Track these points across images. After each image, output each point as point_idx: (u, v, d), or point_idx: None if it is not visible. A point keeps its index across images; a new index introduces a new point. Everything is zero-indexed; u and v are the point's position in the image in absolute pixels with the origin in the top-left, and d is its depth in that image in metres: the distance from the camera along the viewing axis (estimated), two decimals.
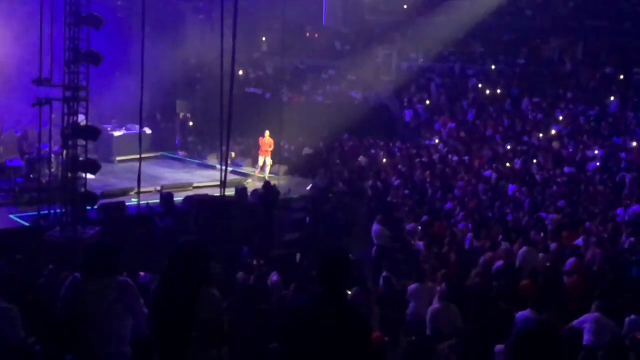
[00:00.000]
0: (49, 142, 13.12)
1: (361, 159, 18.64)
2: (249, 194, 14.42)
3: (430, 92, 23.62)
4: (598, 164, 16.81)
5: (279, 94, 21.72)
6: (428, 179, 16.36)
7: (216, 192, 13.53)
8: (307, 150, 19.86)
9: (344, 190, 15.92)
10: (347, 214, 14.33)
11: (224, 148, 11.66)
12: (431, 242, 11.71)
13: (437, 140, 20.44)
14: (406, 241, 12.46)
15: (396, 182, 16.30)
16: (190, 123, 21.45)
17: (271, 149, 17.74)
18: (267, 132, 17.83)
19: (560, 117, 20.29)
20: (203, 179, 17.51)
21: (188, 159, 20.24)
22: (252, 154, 19.67)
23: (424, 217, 13.12)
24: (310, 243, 12.49)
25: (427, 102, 22.95)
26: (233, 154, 18.91)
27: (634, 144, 17.69)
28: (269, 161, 17.63)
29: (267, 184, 14.54)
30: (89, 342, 3.81)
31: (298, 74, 24.98)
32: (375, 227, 12.29)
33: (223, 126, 11.48)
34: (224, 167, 11.61)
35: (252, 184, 16.69)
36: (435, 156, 18.54)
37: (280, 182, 16.42)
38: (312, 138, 20.26)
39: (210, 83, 21.14)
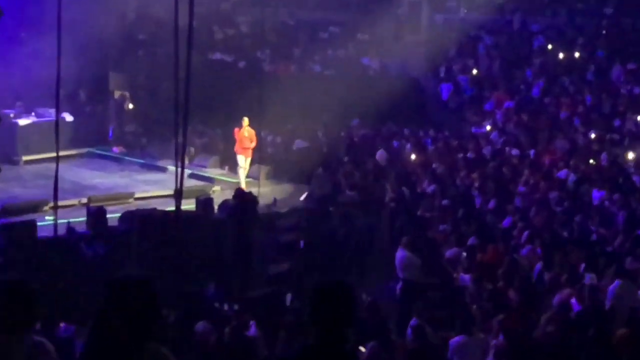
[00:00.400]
0: None
1: (379, 155, 18.78)
2: (215, 207, 14.49)
3: (477, 57, 23.77)
4: None
5: (258, 61, 21.77)
6: (476, 184, 16.46)
7: (169, 206, 13.68)
8: (299, 144, 19.98)
9: (353, 200, 16.09)
10: (358, 235, 14.49)
11: (179, 141, 11.64)
12: (482, 275, 11.82)
13: (488, 127, 20.47)
14: (446, 274, 12.61)
15: (430, 189, 16.45)
16: (130, 106, 21.57)
17: (253, 144, 17.96)
18: (245, 120, 18.05)
19: None
20: (149, 187, 17.78)
21: (127, 158, 20.41)
22: (220, 150, 19.84)
23: (471, 240, 13.23)
24: (305, 278, 12.65)
25: (474, 71, 23.07)
26: (192, 150, 19.03)
27: None
28: (247, 163, 17.91)
29: (240, 192, 14.69)
30: None
31: (286, 33, 25.17)
32: (400, 254, 12.43)
33: (178, 110, 11.39)
34: (179, 170, 11.48)
35: (221, 193, 16.89)
36: (486, 150, 18.62)
37: (261, 189, 16.45)
38: (306, 126, 20.37)
39: (158, 47, 21.54)
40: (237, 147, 17.98)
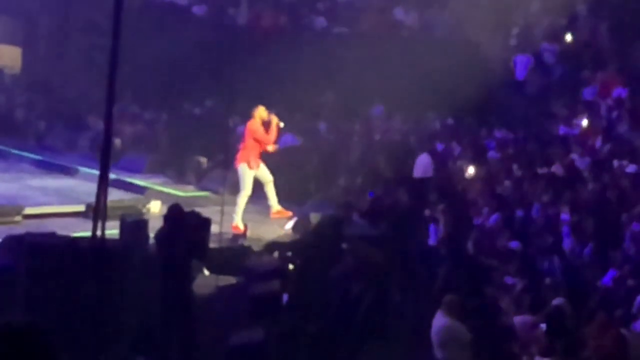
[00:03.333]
0: None
1: (419, 163, 18.64)
2: (152, 234, 14.15)
3: (574, 16, 23.01)
4: None
5: (227, 8, 21.82)
6: (566, 215, 15.98)
7: (78, 230, 13.88)
8: (288, 141, 19.88)
9: (370, 234, 16.15)
10: (375, 286, 14.31)
11: (98, 129, 11.50)
12: None
13: (584, 124, 19.64)
14: (511, 356, 12.45)
15: (492, 220, 16.26)
16: (17, 69, 21.55)
17: (271, 146, 17.13)
18: (260, 109, 17.16)
19: None
20: (48, 198, 17.44)
21: (14, 152, 20.20)
22: (162, 145, 19.93)
23: (556, 302, 12.88)
24: (289, 351, 12.64)
25: (567, 38, 22.49)
26: (118, 144, 18.86)
27: None
28: (266, 175, 17.21)
29: (177, 212, 13.79)
30: None
31: None
32: (439, 321, 12.20)
33: (110, 82, 10.68)
34: (99, 173, 11.06)
35: (160, 212, 16.45)
36: (583, 162, 18.12)
37: (225, 209, 15.96)
38: (300, 113, 20.24)
39: None
40: (244, 152, 17.09)
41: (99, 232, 10.50)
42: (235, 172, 17.73)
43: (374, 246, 15.51)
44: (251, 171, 16.80)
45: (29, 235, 13.58)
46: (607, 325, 12.22)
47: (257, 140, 16.93)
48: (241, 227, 16.48)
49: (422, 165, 18.41)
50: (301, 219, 16.50)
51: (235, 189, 16.88)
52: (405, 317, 14.29)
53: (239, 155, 17.07)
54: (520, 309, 13.18)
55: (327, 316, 13.81)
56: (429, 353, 12.16)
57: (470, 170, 17.94)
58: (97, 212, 10.94)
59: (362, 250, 15.27)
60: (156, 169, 19.56)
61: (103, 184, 10.86)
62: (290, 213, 17.00)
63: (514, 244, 15.13)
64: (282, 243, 15.81)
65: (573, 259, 14.83)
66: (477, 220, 16.32)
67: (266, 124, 17.04)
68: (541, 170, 17.60)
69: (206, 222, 14.03)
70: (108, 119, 10.97)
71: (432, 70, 20.15)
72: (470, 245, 15.70)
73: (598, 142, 18.53)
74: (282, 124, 17.02)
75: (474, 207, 16.78)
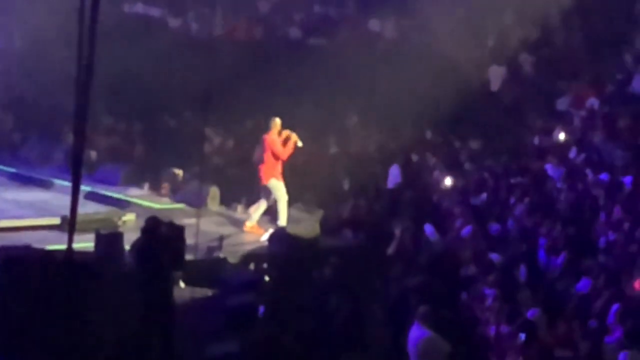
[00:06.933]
0: None
1: (391, 174, 18.72)
2: (127, 247, 14.26)
3: (547, 27, 22.99)
4: None
5: (202, 19, 21.92)
6: (540, 226, 15.99)
7: (52, 243, 13.86)
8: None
9: (349, 245, 16.28)
10: (352, 297, 14.33)
11: (72, 141, 11.67)
12: None
13: (561, 137, 19.58)
14: None
15: (465, 231, 16.20)
16: None
17: (285, 153, 17.28)
18: (276, 121, 17.31)
19: None
20: (22, 211, 17.42)
21: None
22: (137, 157, 20.00)
23: (531, 313, 12.92)
24: None
25: (542, 49, 22.29)
26: (94, 156, 19.40)
27: None
28: (280, 192, 17.33)
29: (153, 224, 13.84)
30: None
31: None
32: (416, 332, 12.17)
33: (79, 91, 10.39)
34: (73, 185, 10.69)
35: (136, 225, 16.57)
36: (557, 172, 17.98)
37: (202, 220, 16.09)
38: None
39: None
40: (269, 168, 17.28)
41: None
42: (208, 186, 17.97)
43: (351, 256, 15.47)
44: (280, 183, 16.97)
45: (3, 249, 13.51)
46: (581, 334, 12.30)
47: (274, 154, 16.93)
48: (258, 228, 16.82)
49: (394, 175, 18.41)
50: (277, 230, 16.48)
51: (202, 202, 16.97)
52: (382, 328, 14.16)
53: (264, 172, 17.06)
54: (497, 319, 13.02)
55: (303, 327, 13.78)
56: None
57: (447, 182, 17.85)
58: (71, 224, 10.56)
59: (339, 261, 15.12)
60: (131, 181, 19.45)
61: (75, 195, 10.50)
62: (263, 231, 16.96)
63: (491, 255, 15.04)
64: (258, 255, 15.78)
65: (547, 269, 14.77)
66: (451, 231, 16.20)
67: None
68: (515, 180, 17.55)
69: (181, 233, 14.04)
70: (80, 130, 10.65)
71: (407, 82, 20.06)
72: (446, 256, 15.56)
73: (572, 153, 18.48)
74: (300, 143, 17.00)
75: (449, 218, 16.63)
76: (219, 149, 19.61)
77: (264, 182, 17.16)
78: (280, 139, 17.16)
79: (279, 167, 17.14)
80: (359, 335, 13.89)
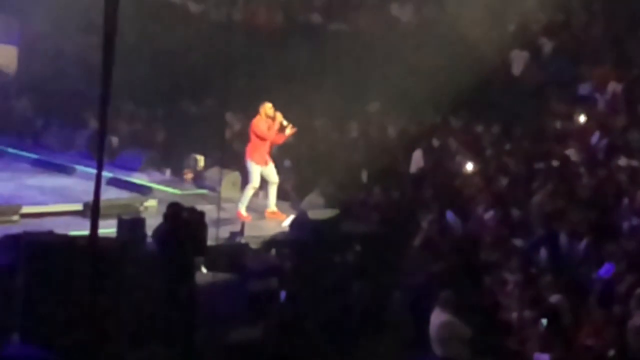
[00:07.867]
0: None
1: (414, 160, 18.58)
2: (149, 232, 14.14)
3: (569, 10, 22.65)
4: None
5: (222, 5, 21.54)
6: (562, 212, 15.77)
7: (76, 229, 13.73)
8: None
9: (372, 232, 15.99)
10: (378, 285, 14.36)
11: (95, 127, 11.18)
12: (570, 357, 11.78)
13: (582, 120, 19.49)
14: (510, 353, 12.39)
15: (488, 215, 16.09)
16: (14, 68, 21.54)
17: (281, 137, 17.51)
18: (266, 106, 17.41)
19: None
20: (45, 197, 17.40)
21: (11, 151, 20.22)
22: (159, 143, 19.95)
23: (553, 299, 12.80)
24: (287, 350, 12.53)
25: (564, 33, 21.95)
26: (115, 142, 19.42)
27: None
28: (272, 174, 17.51)
29: (176, 210, 13.97)
30: None
31: None
32: (437, 318, 12.20)
33: (104, 78, 10.38)
34: (97, 172, 10.67)
35: (158, 211, 16.47)
36: (579, 158, 17.87)
37: (223, 206, 16.28)
38: (298, 107, 19.57)
39: None
40: (253, 150, 17.36)
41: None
42: (230, 171, 18.06)
43: (373, 242, 15.48)
44: (257, 166, 16.96)
45: (25, 235, 13.51)
46: (605, 321, 12.25)
47: (258, 137, 16.99)
48: (244, 214, 16.66)
49: (417, 160, 18.31)
50: (299, 215, 16.44)
51: (223, 187, 17.05)
52: (403, 313, 14.13)
53: (247, 151, 17.22)
54: (519, 304, 13.06)
55: (325, 313, 13.77)
56: (428, 349, 12.14)
57: (469, 167, 17.77)
58: (94, 210, 10.63)
59: (361, 247, 15.23)
60: (153, 167, 19.48)
61: (98, 181, 10.59)
62: (284, 216, 16.98)
63: (513, 240, 14.95)
64: (280, 240, 15.75)
65: (570, 254, 14.69)
66: (474, 216, 16.15)
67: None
68: (538, 166, 17.44)
69: (202, 218, 13.99)
70: (103, 117, 10.68)
71: (428, 67, 20.04)
72: (467, 241, 15.54)
73: (595, 138, 18.36)
74: (285, 122, 17.02)
75: (471, 203, 16.59)
76: (239, 134, 19.42)
77: (252, 163, 17.26)
78: (272, 123, 17.18)
79: (262, 150, 17.12)
80: (381, 320, 13.87)
